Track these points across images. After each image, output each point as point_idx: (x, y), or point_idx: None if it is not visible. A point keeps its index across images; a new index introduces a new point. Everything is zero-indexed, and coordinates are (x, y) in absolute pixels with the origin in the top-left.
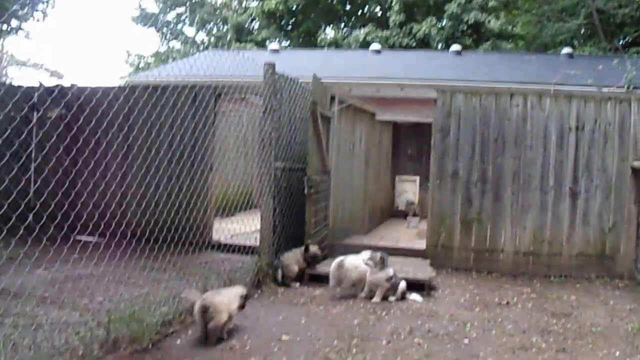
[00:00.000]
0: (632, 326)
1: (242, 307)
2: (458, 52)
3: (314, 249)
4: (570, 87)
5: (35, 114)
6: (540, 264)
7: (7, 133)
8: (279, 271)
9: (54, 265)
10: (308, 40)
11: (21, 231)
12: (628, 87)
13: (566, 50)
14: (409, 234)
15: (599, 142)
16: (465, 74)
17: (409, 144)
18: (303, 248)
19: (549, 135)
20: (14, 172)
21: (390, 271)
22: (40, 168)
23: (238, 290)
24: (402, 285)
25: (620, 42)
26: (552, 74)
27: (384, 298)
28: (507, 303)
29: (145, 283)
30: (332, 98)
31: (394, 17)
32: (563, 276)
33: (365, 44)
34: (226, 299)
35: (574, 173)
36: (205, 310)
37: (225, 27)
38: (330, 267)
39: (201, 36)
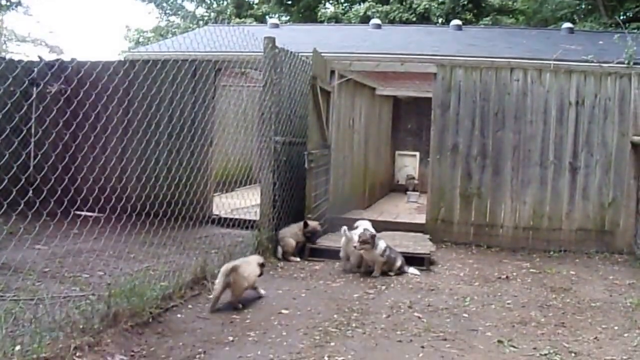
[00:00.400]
0: (631, 301)
1: (260, 274)
2: (458, 27)
3: (313, 224)
4: (570, 62)
5: (35, 88)
6: (540, 238)
7: (7, 107)
8: (279, 248)
9: (54, 240)
10: (308, 15)
11: (21, 206)
12: (628, 63)
13: (567, 25)
14: (409, 209)
15: (599, 117)
16: (465, 49)
17: (409, 119)
18: (302, 224)
19: (549, 110)
20: (14, 147)
21: (382, 245)
22: (40, 143)
23: (257, 259)
24: (399, 260)
25: (621, 18)
26: (552, 49)
27: (384, 273)
28: (507, 277)
29: (145, 257)
30: (332, 72)
31: None
32: (562, 251)
33: (365, 19)
34: (249, 267)
35: (574, 148)
36: (233, 269)
37: (225, 2)
38: (330, 241)
39: (201, 11)
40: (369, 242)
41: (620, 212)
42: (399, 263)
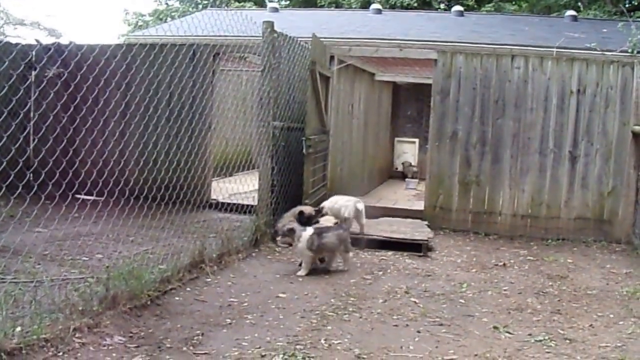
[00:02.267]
0: (627, 290)
1: None
2: (460, 13)
3: (307, 210)
4: (573, 50)
5: (32, 72)
6: (538, 226)
7: (4, 90)
8: (277, 240)
9: (53, 223)
10: None
11: (20, 189)
12: (632, 51)
13: (570, 13)
14: (408, 195)
15: (600, 105)
16: (466, 35)
17: (409, 106)
18: (297, 212)
19: (550, 98)
20: (11, 130)
21: (305, 235)
22: (38, 126)
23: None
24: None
25: (626, 6)
26: (555, 37)
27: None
28: (504, 265)
29: (143, 241)
30: (332, 58)
31: None
32: (560, 239)
33: (365, 4)
34: None
35: (574, 136)
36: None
37: None
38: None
39: None
40: (286, 235)
41: (619, 202)
42: (343, 246)
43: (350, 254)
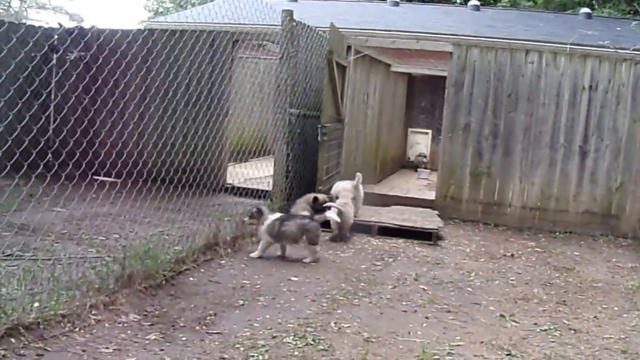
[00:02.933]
0: (632, 283)
1: None
2: (476, 8)
3: (321, 197)
4: (586, 47)
5: (54, 54)
6: (547, 219)
7: (27, 71)
8: None
9: (71, 202)
10: None
11: (40, 168)
12: None
13: (584, 10)
14: (419, 185)
15: (612, 102)
16: (482, 30)
17: (423, 97)
18: (311, 198)
19: (562, 94)
20: (34, 110)
21: (268, 221)
22: (59, 107)
23: None
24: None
25: None
26: (569, 33)
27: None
28: (512, 255)
29: (160, 222)
30: (349, 48)
31: None
32: (568, 232)
33: None
34: None
35: (585, 132)
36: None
37: None
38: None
39: None
40: (254, 216)
41: (627, 197)
42: (305, 237)
43: (317, 247)
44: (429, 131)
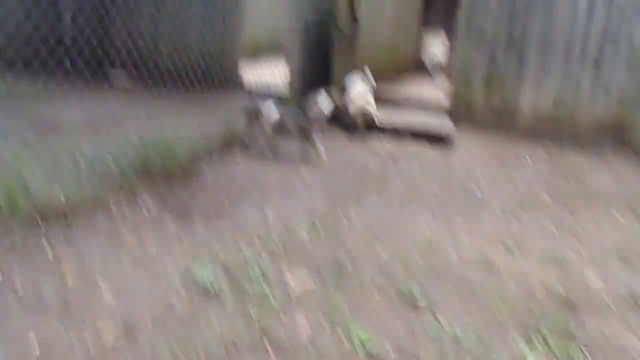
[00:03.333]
0: (638, 195)
1: None
2: None
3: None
4: None
5: None
6: (558, 129)
7: None
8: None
9: (89, 98)
10: None
11: (57, 66)
12: None
13: None
14: (434, 90)
15: (630, 13)
16: None
17: (439, 1)
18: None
19: (581, 2)
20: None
21: (270, 118)
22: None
23: None
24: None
25: None
26: None
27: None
28: (521, 162)
29: (176, 119)
30: None
31: None
32: (579, 143)
33: None
34: None
35: (601, 43)
36: None
37: None
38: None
39: None
40: (253, 116)
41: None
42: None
43: (318, 142)
44: (445, 35)
